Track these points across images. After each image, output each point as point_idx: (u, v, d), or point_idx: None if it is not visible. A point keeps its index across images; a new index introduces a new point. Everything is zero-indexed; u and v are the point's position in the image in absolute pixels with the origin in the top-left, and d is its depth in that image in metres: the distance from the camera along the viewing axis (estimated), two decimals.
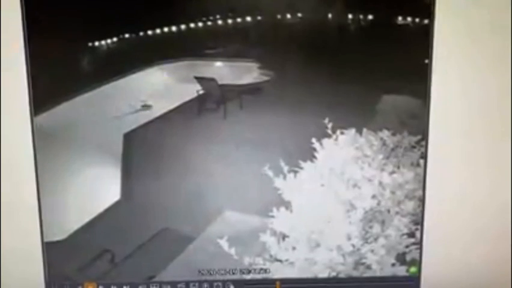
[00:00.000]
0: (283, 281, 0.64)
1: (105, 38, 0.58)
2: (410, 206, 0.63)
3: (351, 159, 0.62)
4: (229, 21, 0.58)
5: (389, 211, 0.63)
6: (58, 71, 0.59)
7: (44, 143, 0.60)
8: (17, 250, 0.62)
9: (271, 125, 0.60)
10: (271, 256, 0.63)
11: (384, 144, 0.61)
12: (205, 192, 0.62)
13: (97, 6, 0.57)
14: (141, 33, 0.58)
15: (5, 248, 0.62)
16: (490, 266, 0.64)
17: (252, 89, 0.61)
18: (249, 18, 0.58)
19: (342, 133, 0.61)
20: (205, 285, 0.64)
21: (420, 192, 0.62)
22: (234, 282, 0.64)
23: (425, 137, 0.61)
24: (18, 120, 0.59)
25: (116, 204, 0.62)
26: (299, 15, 0.58)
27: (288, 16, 0.58)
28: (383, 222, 0.63)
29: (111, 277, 0.63)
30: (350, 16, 0.58)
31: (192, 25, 0.58)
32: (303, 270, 0.64)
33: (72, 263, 0.63)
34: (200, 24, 0.58)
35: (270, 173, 0.61)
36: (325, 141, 0.61)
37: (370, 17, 0.58)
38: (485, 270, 0.64)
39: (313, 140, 0.60)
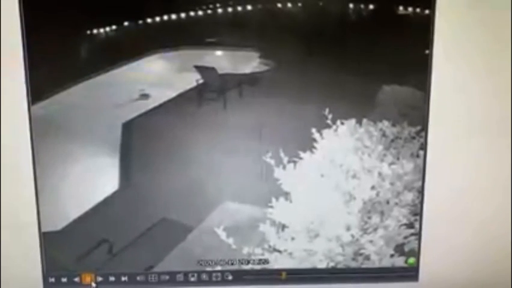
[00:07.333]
0: (289, 272, 0.64)
1: (103, 26, 0.57)
2: (409, 197, 0.63)
3: (351, 149, 0.62)
4: (230, 9, 0.58)
5: (388, 202, 0.63)
6: (56, 60, 0.58)
7: (41, 133, 0.59)
8: (14, 240, 0.61)
9: (271, 115, 0.60)
10: (270, 246, 0.63)
11: (384, 135, 0.61)
12: (204, 182, 0.61)
13: None
14: (140, 22, 0.58)
15: (3, 238, 0.61)
16: (489, 257, 0.64)
17: (252, 79, 0.60)
18: (249, 7, 0.58)
19: (342, 123, 0.60)
20: (204, 276, 0.64)
21: (419, 183, 0.62)
22: (232, 272, 0.64)
23: (424, 127, 0.61)
24: (16, 109, 0.58)
25: (115, 194, 0.62)
26: (300, 4, 0.58)
27: (289, 5, 0.58)
28: (382, 213, 0.63)
29: (109, 268, 0.63)
30: (350, 6, 0.58)
31: (192, 13, 0.58)
32: (302, 261, 0.64)
33: (70, 254, 0.63)
34: (200, 12, 0.58)
35: (270, 163, 0.61)
36: (325, 131, 0.60)
37: (371, 6, 0.58)
38: (484, 261, 0.64)
39: (313, 130, 0.60)
